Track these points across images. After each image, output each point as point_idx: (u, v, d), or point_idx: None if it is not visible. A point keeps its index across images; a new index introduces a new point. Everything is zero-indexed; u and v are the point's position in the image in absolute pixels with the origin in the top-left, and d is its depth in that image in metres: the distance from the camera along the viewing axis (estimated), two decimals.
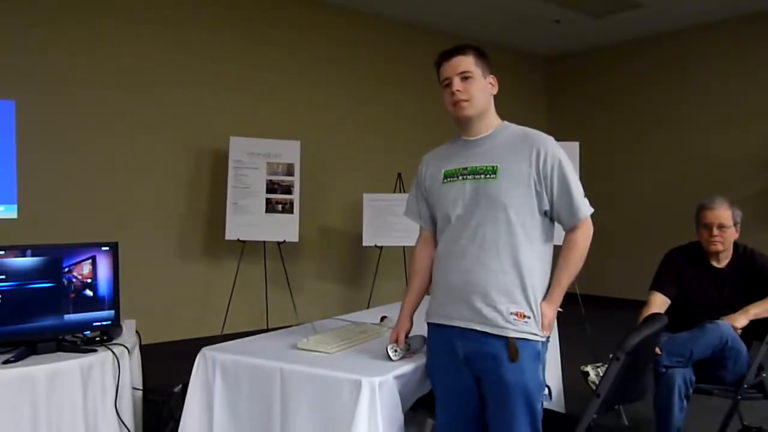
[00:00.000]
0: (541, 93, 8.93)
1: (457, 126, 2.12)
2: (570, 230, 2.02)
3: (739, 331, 2.81)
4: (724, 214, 2.97)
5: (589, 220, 2.02)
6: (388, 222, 6.15)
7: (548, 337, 2.00)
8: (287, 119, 6.47)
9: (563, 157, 1.98)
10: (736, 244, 3.05)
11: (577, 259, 2.01)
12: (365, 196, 6.24)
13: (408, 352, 2.18)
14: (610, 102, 8.31)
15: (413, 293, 2.25)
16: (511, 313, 1.92)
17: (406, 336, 2.21)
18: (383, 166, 6.86)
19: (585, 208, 1.99)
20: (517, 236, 1.94)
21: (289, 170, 5.86)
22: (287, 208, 5.82)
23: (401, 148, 7.19)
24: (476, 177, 2.01)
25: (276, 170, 5.83)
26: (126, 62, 5.53)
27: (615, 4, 6.71)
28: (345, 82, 6.95)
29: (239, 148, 5.71)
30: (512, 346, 1.90)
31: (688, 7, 6.85)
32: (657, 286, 3.08)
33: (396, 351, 2.13)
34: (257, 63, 6.31)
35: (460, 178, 2.04)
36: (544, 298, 1.99)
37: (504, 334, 1.91)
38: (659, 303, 3.02)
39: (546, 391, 1.99)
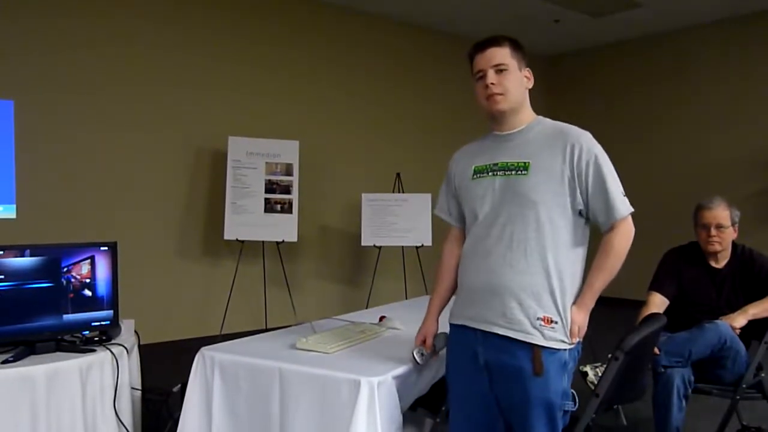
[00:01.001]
0: (541, 92, 8.89)
1: (490, 120, 2.01)
2: (607, 231, 1.90)
3: (738, 331, 2.81)
4: (722, 214, 2.97)
5: (629, 220, 1.90)
6: (386, 222, 6.16)
7: (580, 342, 1.90)
8: (286, 119, 6.47)
9: (600, 152, 1.88)
10: (734, 244, 3.05)
11: (613, 263, 1.88)
12: (364, 195, 6.24)
13: (434, 355, 2.13)
14: (609, 101, 8.32)
15: (440, 294, 2.15)
16: (538, 318, 1.81)
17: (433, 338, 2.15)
18: (382, 166, 6.86)
19: (623, 207, 1.86)
20: (546, 236, 1.84)
21: (288, 170, 5.86)
22: (286, 208, 5.82)
23: (400, 148, 7.20)
24: (506, 173, 1.91)
25: (275, 170, 5.83)
26: (125, 62, 5.52)
27: (614, 3, 6.71)
28: (344, 82, 6.95)
29: (238, 147, 5.71)
30: (537, 359, 1.80)
31: (687, 6, 6.85)
32: (656, 286, 3.08)
33: (423, 354, 2.08)
34: (256, 63, 6.31)
35: (490, 173, 1.95)
36: (575, 303, 1.87)
37: (529, 341, 1.81)
38: (658, 303, 3.02)
39: (570, 398, 1.87)
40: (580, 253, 1.91)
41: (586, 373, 2.90)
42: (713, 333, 2.75)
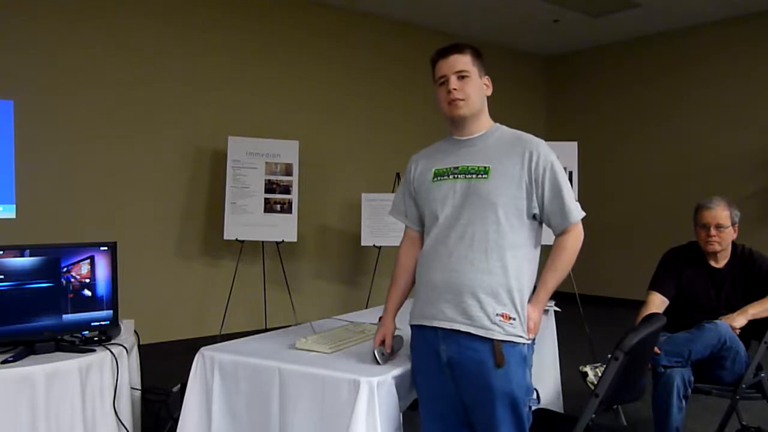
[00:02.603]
0: (540, 92, 8.93)
1: (450, 125, 2.10)
2: (560, 234, 2.00)
3: (738, 331, 2.82)
4: (721, 214, 2.97)
5: (580, 224, 1.99)
6: (386, 222, 6.15)
7: (534, 340, 1.97)
8: (286, 119, 6.47)
9: (555, 160, 1.97)
10: (734, 244, 3.05)
11: (566, 263, 1.99)
12: (363, 195, 6.24)
13: (393, 355, 2.16)
14: (608, 101, 8.31)
15: (397, 294, 2.22)
16: (497, 315, 1.88)
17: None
18: (382, 166, 6.85)
19: (576, 212, 1.97)
20: (506, 237, 1.92)
21: (288, 170, 5.86)
22: (286, 207, 5.82)
23: (399, 148, 7.17)
24: (467, 176, 1.99)
25: (274, 170, 5.82)
26: (125, 62, 5.52)
27: (614, 3, 6.71)
28: (344, 81, 6.95)
29: (238, 147, 5.71)
30: (498, 351, 1.87)
31: (687, 6, 6.85)
32: (655, 286, 3.08)
33: (383, 354, 2.11)
34: (256, 62, 6.30)
35: (451, 177, 2.03)
36: (530, 300, 1.95)
37: (490, 336, 1.88)
38: (658, 303, 3.02)
39: (534, 395, 1.95)
40: (535, 254, 2.02)
41: (586, 373, 2.90)
42: (713, 333, 2.75)
